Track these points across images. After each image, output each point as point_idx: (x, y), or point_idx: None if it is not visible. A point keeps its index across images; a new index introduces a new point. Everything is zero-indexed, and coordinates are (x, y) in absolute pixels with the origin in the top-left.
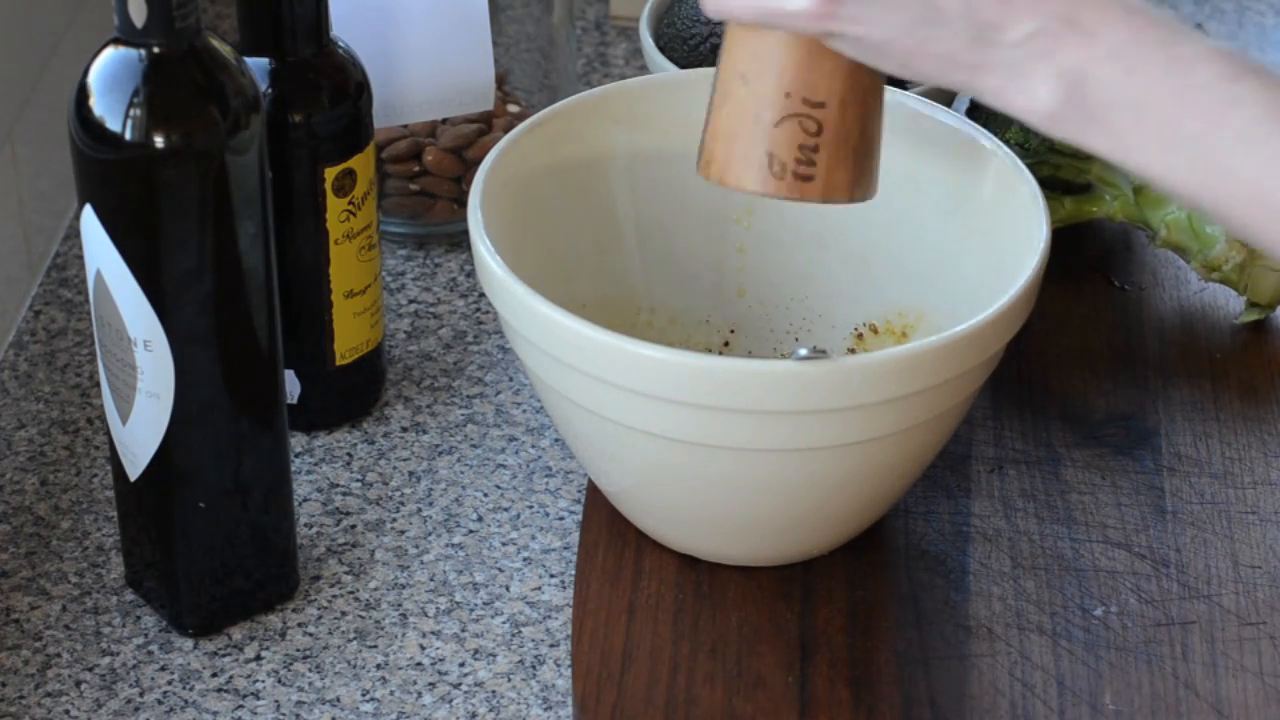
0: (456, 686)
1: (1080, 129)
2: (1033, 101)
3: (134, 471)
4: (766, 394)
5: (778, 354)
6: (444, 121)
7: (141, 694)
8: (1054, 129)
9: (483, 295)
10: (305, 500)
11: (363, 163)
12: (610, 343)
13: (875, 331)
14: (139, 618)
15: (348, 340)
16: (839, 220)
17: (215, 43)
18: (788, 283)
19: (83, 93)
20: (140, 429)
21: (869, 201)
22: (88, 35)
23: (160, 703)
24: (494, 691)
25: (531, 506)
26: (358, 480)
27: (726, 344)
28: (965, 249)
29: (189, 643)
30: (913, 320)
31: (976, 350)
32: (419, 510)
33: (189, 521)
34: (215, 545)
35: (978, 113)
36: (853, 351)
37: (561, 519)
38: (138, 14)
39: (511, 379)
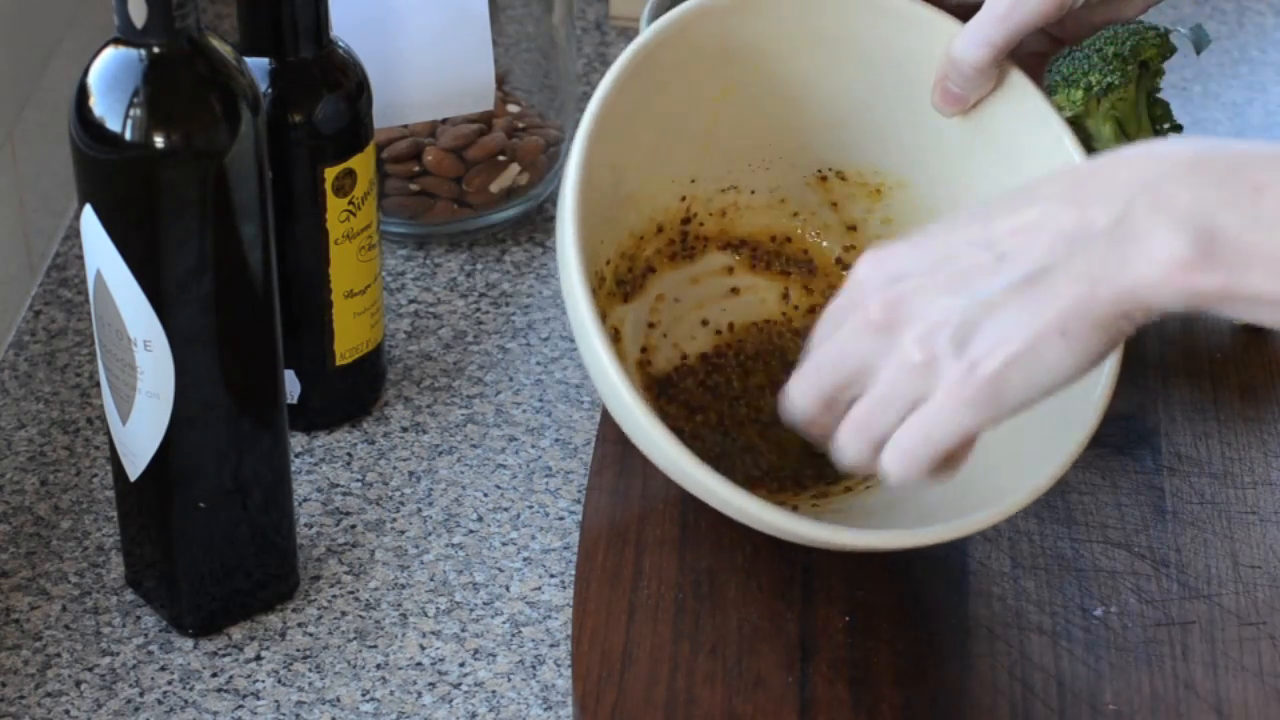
0: (456, 686)
1: (1230, 267)
2: (1165, 250)
3: (134, 471)
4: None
5: (779, 354)
6: (444, 121)
7: (141, 694)
8: (1195, 285)
9: (483, 295)
10: (305, 500)
11: (363, 163)
12: (706, 483)
13: None
14: (139, 618)
15: (348, 340)
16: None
17: (215, 43)
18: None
19: (83, 93)
20: (140, 429)
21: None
22: (88, 35)
23: (160, 703)
24: (494, 691)
25: (531, 506)
26: (358, 480)
27: (731, 326)
28: None
29: (189, 643)
30: None
31: None
32: (419, 510)
33: (189, 521)
34: (215, 545)
35: None
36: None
37: (561, 519)
38: (138, 14)
39: (511, 379)
